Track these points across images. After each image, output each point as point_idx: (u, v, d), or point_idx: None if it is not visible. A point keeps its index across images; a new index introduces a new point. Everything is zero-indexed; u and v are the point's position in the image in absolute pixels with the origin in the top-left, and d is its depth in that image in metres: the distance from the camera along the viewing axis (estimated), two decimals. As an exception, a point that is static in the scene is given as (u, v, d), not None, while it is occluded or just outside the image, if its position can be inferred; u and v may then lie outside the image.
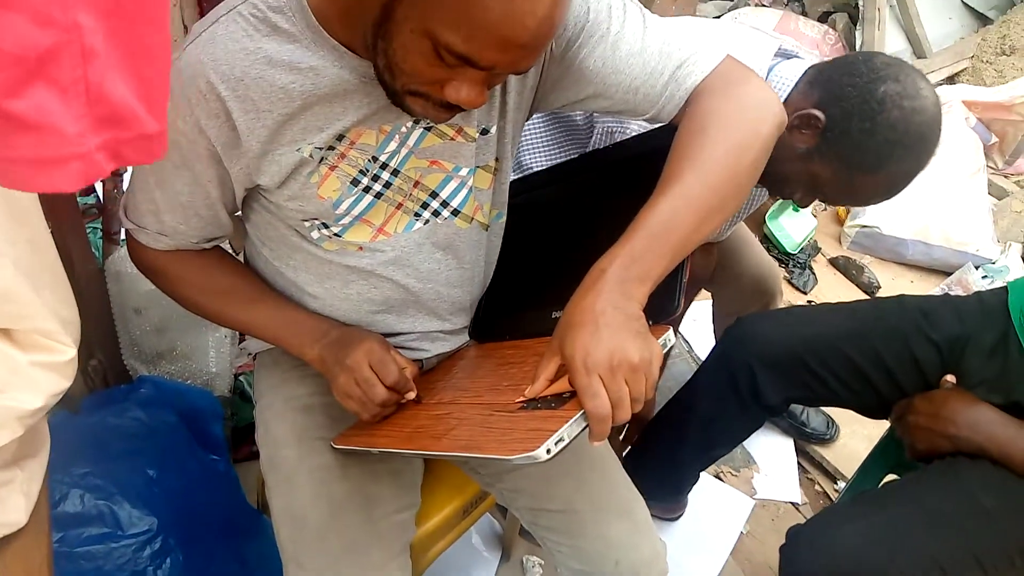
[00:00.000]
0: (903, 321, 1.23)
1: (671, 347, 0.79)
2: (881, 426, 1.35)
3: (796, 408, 1.95)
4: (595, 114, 1.28)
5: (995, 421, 1.09)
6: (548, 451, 0.68)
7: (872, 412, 1.29)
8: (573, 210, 1.12)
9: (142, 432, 1.27)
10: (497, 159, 0.97)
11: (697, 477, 1.60)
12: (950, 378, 1.18)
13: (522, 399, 0.80)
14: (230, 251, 1.33)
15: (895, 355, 1.21)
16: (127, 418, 1.28)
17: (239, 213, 1.01)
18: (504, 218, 1.06)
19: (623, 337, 0.72)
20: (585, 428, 0.72)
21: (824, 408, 1.97)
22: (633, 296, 0.75)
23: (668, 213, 0.78)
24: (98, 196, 1.72)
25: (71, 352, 0.72)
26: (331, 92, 0.82)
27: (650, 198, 0.80)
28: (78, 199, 1.59)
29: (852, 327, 1.25)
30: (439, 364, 1.11)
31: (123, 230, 0.97)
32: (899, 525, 1.03)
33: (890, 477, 1.42)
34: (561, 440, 0.69)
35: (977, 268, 2.60)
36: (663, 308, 0.82)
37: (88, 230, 1.51)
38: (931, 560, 0.99)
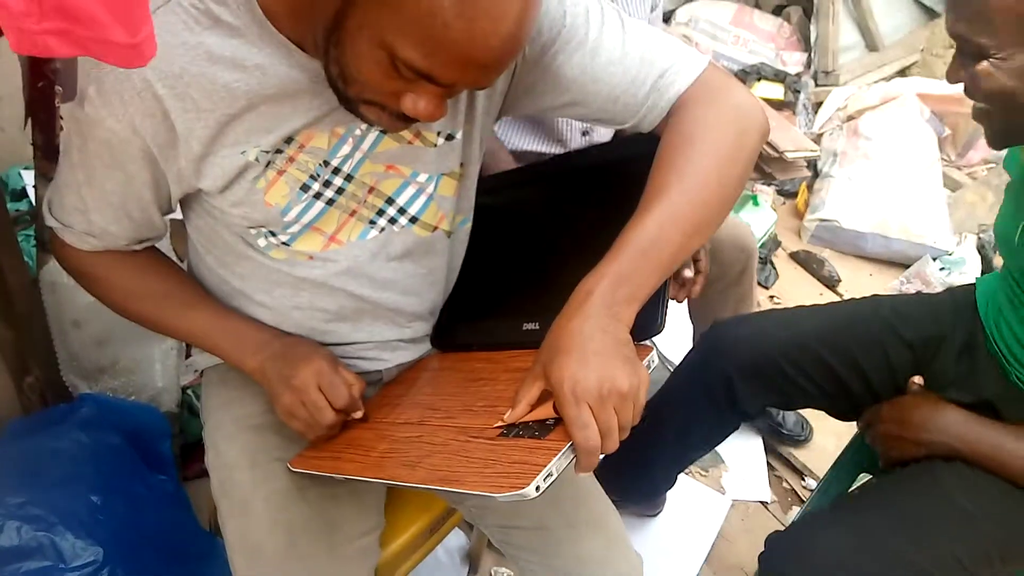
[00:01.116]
0: (877, 323, 1.22)
1: (654, 367, 0.76)
2: (849, 424, 1.34)
3: (772, 409, 1.94)
4: None
5: (961, 422, 1.09)
6: (537, 488, 0.64)
7: (844, 415, 1.29)
8: (543, 215, 1.07)
9: (84, 455, 1.19)
10: (463, 164, 0.92)
11: (675, 479, 1.58)
12: (917, 379, 1.17)
13: (501, 424, 0.75)
14: (171, 255, 1.26)
15: (869, 358, 1.21)
16: (67, 440, 1.20)
17: (181, 217, 0.94)
18: (470, 223, 1.01)
19: (612, 364, 0.69)
20: (573, 460, 0.68)
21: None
22: (621, 318, 0.73)
23: (655, 230, 0.75)
24: (31, 202, 1.63)
25: None
26: (279, 92, 0.76)
27: (635, 213, 0.77)
28: (9, 205, 1.50)
29: (827, 329, 1.24)
30: (400, 376, 1.05)
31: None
32: (879, 531, 1.02)
33: (863, 476, 1.42)
34: (550, 475, 0.65)
35: (935, 260, 2.63)
36: (646, 326, 0.78)
37: (20, 238, 1.43)
38: (913, 565, 0.98)
